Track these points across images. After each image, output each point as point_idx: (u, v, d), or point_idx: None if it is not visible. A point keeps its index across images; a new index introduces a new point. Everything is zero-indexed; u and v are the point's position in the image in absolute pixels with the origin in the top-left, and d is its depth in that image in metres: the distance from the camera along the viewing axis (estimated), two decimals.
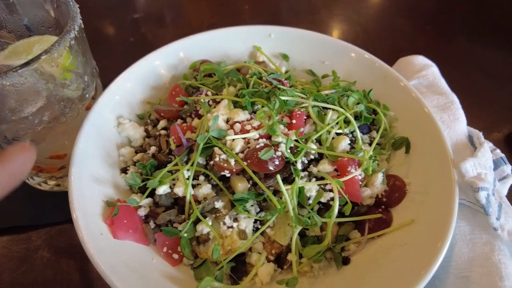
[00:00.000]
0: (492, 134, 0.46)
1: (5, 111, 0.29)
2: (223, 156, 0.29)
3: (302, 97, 0.33)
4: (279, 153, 0.29)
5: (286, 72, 0.40)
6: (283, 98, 0.32)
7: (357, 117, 0.35)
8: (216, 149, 0.30)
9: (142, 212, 0.30)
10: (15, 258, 0.35)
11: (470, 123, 0.42)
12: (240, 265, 0.29)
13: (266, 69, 0.39)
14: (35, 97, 0.29)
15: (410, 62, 0.46)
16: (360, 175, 0.31)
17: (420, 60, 0.46)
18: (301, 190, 0.29)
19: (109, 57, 0.53)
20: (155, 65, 0.39)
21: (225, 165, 0.29)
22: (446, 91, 0.43)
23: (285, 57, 0.42)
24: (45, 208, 0.38)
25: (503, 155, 0.40)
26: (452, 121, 0.39)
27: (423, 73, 0.44)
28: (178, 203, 0.31)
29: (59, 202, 0.38)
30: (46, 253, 0.35)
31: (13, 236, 0.36)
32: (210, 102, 0.34)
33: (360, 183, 0.31)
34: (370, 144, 0.34)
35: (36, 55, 0.32)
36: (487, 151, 0.36)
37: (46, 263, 0.35)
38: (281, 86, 0.34)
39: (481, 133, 0.40)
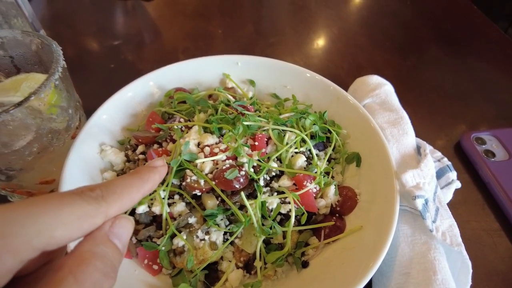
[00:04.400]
0: (441, 143, 0.51)
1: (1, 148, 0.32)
2: (194, 178, 0.33)
3: (264, 122, 0.38)
4: (243, 172, 0.33)
5: (252, 97, 0.45)
6: (246, 123, 0.36)
7: (313, 136, 0.40)
8: (187, 171, 0.34)
9: None
10: None
11: (421, 133, 0.47)
12: (212, 273, 0.33)
13: (234, 94, 0.44)
14: (25, 131, 0.33)
15: (365, 81, 0.51)
16: (315, 188, 0.36)
17: (375, 79, 0.52)
18: (263, 204, 0.33)
19: (90, 83, 0.56)
20: (132, 95, 0.43)
21: (196, 185, 0.33)
22: (396, 108, 0.48)
23: (251, 82, 0.47)
24: None
25: (449, 163, 0.46)
26: (401, 135, 0.44)
27: (377, 91, 0.49)
28: (156, 220, 0.35)
29: None
30: None
31: None
32: (183, 128, 0.38)
33: (315, 195, 0.36)
34: (323, 160, 0.39)
35: (25, 95, 0.36)
36: (430, 162, 0.41)
37: None
38: (246, 112, 0.39)
39: (427, 144, 0.45)
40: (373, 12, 0.78)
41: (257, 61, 0.46)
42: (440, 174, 0.44)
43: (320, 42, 0.68)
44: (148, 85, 0.44)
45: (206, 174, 0.33)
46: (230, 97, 0.42)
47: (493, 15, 0.87)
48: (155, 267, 0.32)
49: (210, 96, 0.44)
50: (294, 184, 0.35)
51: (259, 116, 0.39)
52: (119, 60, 0.62)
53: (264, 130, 0.37)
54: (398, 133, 0.44)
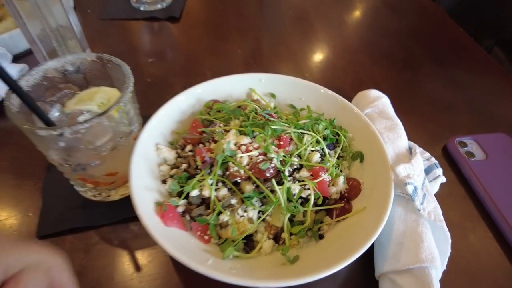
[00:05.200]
0: (430, 146, 0.61)
1: (84, 144, 0.42)
2: (235, 168, 0.43)
3: (286, 126, 0.48)
4: (272, 165, 0.43)
5: (274, 107, 0.55)
6: (273, 127, 0.46)
7: (325, 138, 0.50)
8: (230, 163, 0.43)
9: (180, 209, 0.43)
10: (80, 251, 0.47)
11: (414, 138, 0.56)
12: (250, 242, 0.42)
13: (259, 105, 0.54)
14: (104, 133, 0.43)
15: (366, 94, 0.61)
16: (328, 178, 0.45)
17: (374, 93, 0.62)
18: (288, 189, 0.43)
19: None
20: (178, 106, 0.52)
21: (237, 173, 0.42)
22: (392, 116, 0.58)
23: (272, 95, 0.57)
24: (98, 214, 0.50)
25: (436, 161, 0.55)
26: (396, 138, 0.54)
27: (376, 103, 0.59)
28: (205, 201, 0.44)
29: (108, 209, 0.51)
30: (103, 246, 0.48)
31: (76, 235, 0.48)
32: (222, 131, 0.48)
33: (328, 183, 0.45)
34: (334, 157, 0.49)
35: (98, 104, 0.46)
36: (419, 159, 0.50)
37: (103, 253, 0.47)
38: (271, 119, 0.49)
39: (417, 146, 0.54)
40: (372, 33, 0.89)
41: (277, 78, 0.56)
42: (428, 170, 0.54)
43: (326, 59, 0.79)
44: (190, 98, 0.53)
45: (244, 166, 0.43)
46: (257, 107, 0.52)
47: (479, 34, 0.98)
48: (206, 237, 0.42)
49: (239, 106, 0.54)
50: (311, 175, 0.45)
51: (282, 122, 0.48)
52: (154, 75, 0.72)
53: (287, 133, 0.47)
54: (393, 137, 0.54)
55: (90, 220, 0.49)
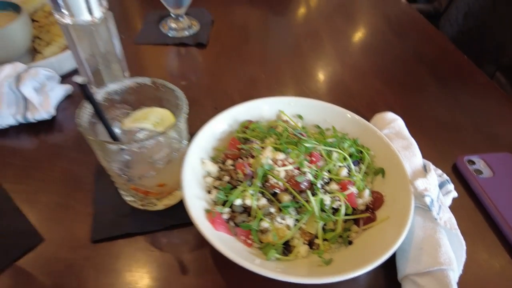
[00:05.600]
0: (441, 164, 0.66)
1: (144, 157, 0.48)
2: (274, 180, 0.49)
3: (316, 144, 0.54)
4: (307, 178, 0.49)
5: (303, 127, 0.61)
6: (305, 144, 0.52)
7: (350, 155, 0.56)
8: (269, 176, 0.49)
9: (225, 216, 0.49)
10: (131, 254, 0.53)
11: (426, 156, 0.63)
12: (287, 246, 0.48)
13: (289, 125, 0.60)
14: (162, 148, 0.49)
15: (383, 117, 0.68)
16: (355, 191, 0.51)
17: (390, 115, 0.68)
18: (321, 200, 0.49)
19: None
20: (217, 125, 0.59)
21: (276, 185, 0.48)
22: (407, 137, 0.64)
23: (300, 117, 0.63)
24: (145, 221, 0.55)
25: (448, 178, 0.61)
26: (411, 156, 0.60)
27: (392, 124, 0.66)
28: (246, 210, 0.50)
29: (154, 217, 0.56)
30: (152, 249, 0.53)
31: (126, 240, 0.54)
32: (260, 148, 0.54)
33: (355, 195, 0.51)
34: (359, 172, 0.55)
35: (153, 123, 0.52)
36: (433, 175, 0.56)
37: (157, 254, 0.52)
38: (302, 137, 0.55)
39: (430, 163, 0.60)
40: (382, 58, 0.96)
41: (305, 101, 0.63)
42: (441, 185, 0.59)
43: (344, 85, 0.86)
44: (227, 118, 0.60)
45: (282, 179, 0.49)
46: (288, 127, 0.58)
47: (481, 61, 1.06)
48: (249, 241, 0.47)
49: (272, 126, 0.60)
50: (340, 188, 0.51)
51: (312, 140, 0.55)
52: (188, 97, 0.78)
53: (317, 150, 0.53)
54: (409, 155, 0.60)
55: (140, 226, 0.54)
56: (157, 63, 0.90)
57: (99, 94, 0.51)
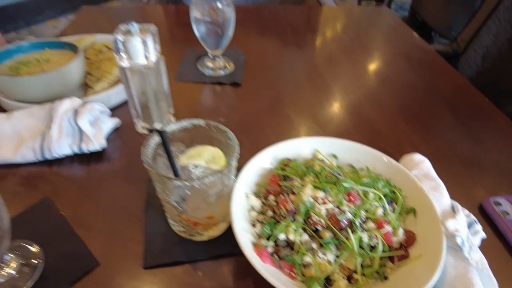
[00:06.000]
0: (467, 204, 0.69)
1: (200, 193, 0.53)
2: (316, 218, 0.53)
3: (354, 184, 0.58)
4: (346, 216, 0.53)
5: (338, 167, 0.66)
6: (344, 184, 0.57)
7: (384, 195, 0.60)
8: (311, 213, 0.54)
9: (269, 249, 0.53)
10: (181, 281, 0.57)
11: (451, 196, 0.67)
12: (328, 280, 0.51)
13: (325, 164, 0.65)
14: (216, 184, 0.54)
15: (411, 158, 0.72)
16: (390, 229, 0.55)
17: (417, 156, 0.73)
18: (360, 238, 0.53)
19: None
20: (258, 163, 0.64)
21: (318, 222, 0.53)
22: (435, 178, 0.68)
23: (334, 156, 0.68)
24: (193, 250, 0.60)
25: (475, 218, 0.64)
26: (440, 197, 0.64)
27: (420, 166, 0.70)
28: (289, 244, 0.54)
29: (200, 246, 0.60)
30: (201, 276, 0.57)
31: (175, 267, 0.58)
32: (300, 186, 0.59)
33: (391, 234, 0.55)
34: (393, 212, 0.59)
35: (206, 161, 0.58)
36: (462, 215, 0.60)
37: (203, 282, 0.56)
38: (340, 177, 0.60)
39: (458, 204, 0.64)
40: (407, 100, 1.02)
41: (339, 142, 0.68)
42: (469, 226, 0.63)
43: (371, 126, 0.91)
44: (268, 156, 0.65)
45: (324, 217, 0.53)
46: (325, 166, 0.63)
47: (500, 101, 1.10)
48: (293, 274, 0.51)
49: (309, 164, 0.65)
50: (376, 226, 0.55)
51: (349, 180, 0.59)
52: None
53: (355, 190, 0.58)
54: (438, 196, 0.64)
55: (188, 255, 0.59)
56: (196, 99, 0.98)
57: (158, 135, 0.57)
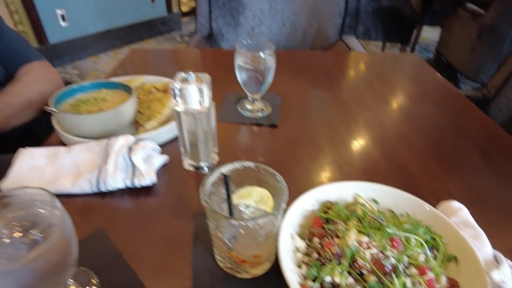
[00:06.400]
0: (509, 254, 0.70)
1: (252, 232, 0.57)
2: (361, 262, 0.56)
3: (396, 230, 0.61)
4: (390, 261, 0.55)
5: (379, 212, 0.69)
6: (387, 230, 0.60)
7: (425, 242, 0.62)
8: (356, 257, 0.56)
9: None
10: None
11: (493, 245, 0.67)
12: None
13: (366, 209, 0.68)
14: (266, 224, 0.58)
15: (449, 205, 0.74)
16: (433, 276, 0.56)
17: (456, 204, 0.74)
18: (404, 283, 0.54)
19: None
20: (303, 204, 0.68)
21: (364, 266, 0.55)
22: (475, 226, 0.69)
23: (375, 201, 0.71)
24: (239, 286, 0.63)
25: None
26: (482, 246, 0.65)
27: (459, 213, 0.72)
28: (334, 287, 0.56)
29: (246, 283, 0.63)
30: None
31: None
32: (344, 229, 0.62)
33: (433, 280, 0.56)
34: (435, 258, 0.60)
35: (255, 201, 0.62)
36: (506, 266, 0.61)
37: None
38: (382, 222, 0.62)
39: (501, 254, 0.65)
40: (441, 148, 1.04)
41: (379, 187, 0.71)
42: None
43: (405, 170, 0.93)
44: (310, 199, 0.69)
45: (370, 261, 0.56)
46: (367, 211, 0.66)
47: None
48: None
49: (350, 208, 0.68)
50: (419, 272, 0.57)
51: (391, 225, 0.62)
52: None
53: (397, 235, 0.60)
54: (480, 245, 0.65)
55: None
56: (236, 139, 1.04)
57: (215, 175, 0.62)
